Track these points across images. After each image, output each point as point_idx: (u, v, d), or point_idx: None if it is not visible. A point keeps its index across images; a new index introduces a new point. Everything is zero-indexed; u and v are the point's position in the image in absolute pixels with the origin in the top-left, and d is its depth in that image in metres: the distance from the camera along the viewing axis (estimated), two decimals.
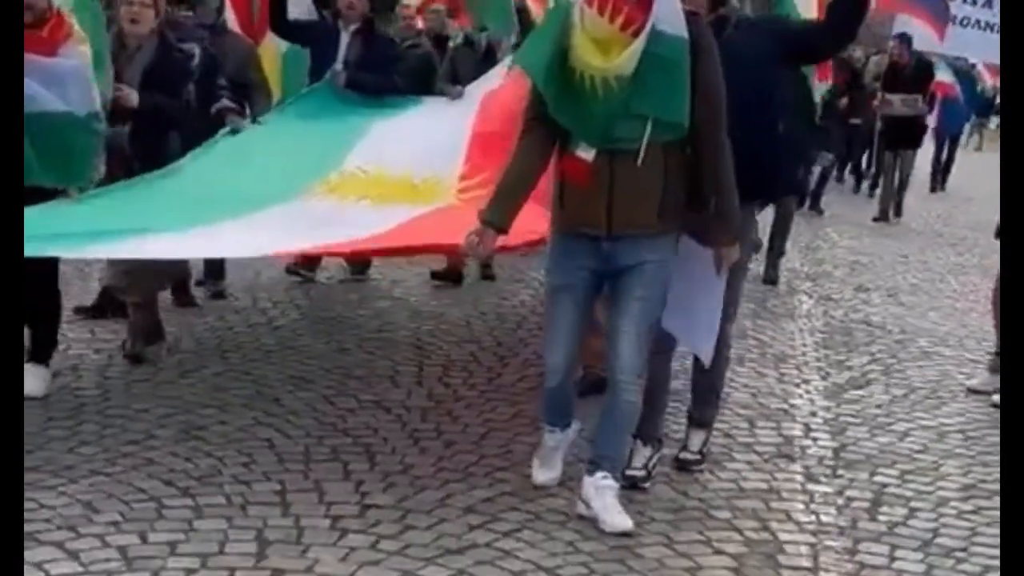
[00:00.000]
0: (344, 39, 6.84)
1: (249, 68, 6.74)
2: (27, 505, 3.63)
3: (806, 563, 3.75)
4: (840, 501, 4.28)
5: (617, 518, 3.84)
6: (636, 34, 3.60)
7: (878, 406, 5.50)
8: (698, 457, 4.49)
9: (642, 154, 3.68)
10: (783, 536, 3.94)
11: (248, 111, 6.46)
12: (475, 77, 6.98)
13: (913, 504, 4.29)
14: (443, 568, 3.49)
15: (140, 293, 5.41)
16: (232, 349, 5.79)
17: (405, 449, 4.49)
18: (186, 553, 3.49)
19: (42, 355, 4.99)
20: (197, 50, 5.69)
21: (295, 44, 7.19)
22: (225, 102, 5.93)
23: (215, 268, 6.81)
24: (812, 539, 3.93)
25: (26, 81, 4.37)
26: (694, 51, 3.68)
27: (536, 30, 4.39)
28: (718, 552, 3.77)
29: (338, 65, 6.71)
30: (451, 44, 8.49)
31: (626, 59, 3.61)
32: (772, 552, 3.80)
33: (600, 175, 3.74)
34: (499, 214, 3.88)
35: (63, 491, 3.88)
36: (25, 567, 3.22)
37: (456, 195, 5.26)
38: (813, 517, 4.12)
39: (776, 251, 8.46)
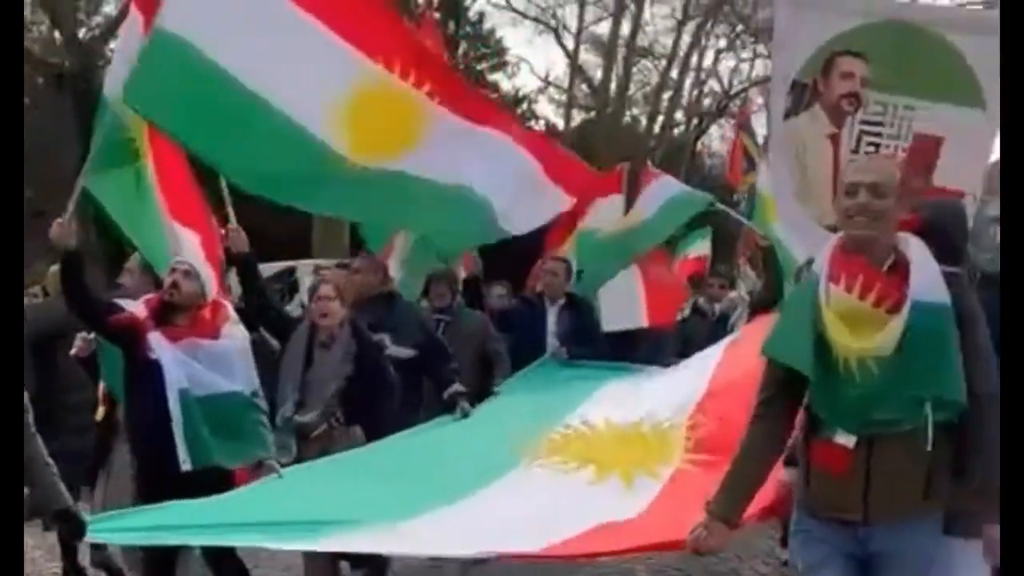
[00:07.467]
0: (551, 315, 7.19)
1: (488, 340, 6.83)
2: None
3: None
4: None
5: None
6: (893, 310, 3.32)
7: None
8: None
9: (930, 441, 3.30)
10: None
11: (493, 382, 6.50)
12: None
13: None
14: None
15: None
16: None
17: None
18: None
19: None
20: (387, 341, 5.90)
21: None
22: (457, 387, 5.95)
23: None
24: None
25: (195, 365, 4.88)
26: (959, 318, 3.34)
27: (783, 313, 3.80)
28: None
29: (552, 339, 7.00)
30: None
31: (886, 339, 3.30)
32: None
33: (857, 460, 3.38)
34: (729, 506, 3.58)
35: None
36: None
37: (683, 445, 5.07)
38: None
39: None
